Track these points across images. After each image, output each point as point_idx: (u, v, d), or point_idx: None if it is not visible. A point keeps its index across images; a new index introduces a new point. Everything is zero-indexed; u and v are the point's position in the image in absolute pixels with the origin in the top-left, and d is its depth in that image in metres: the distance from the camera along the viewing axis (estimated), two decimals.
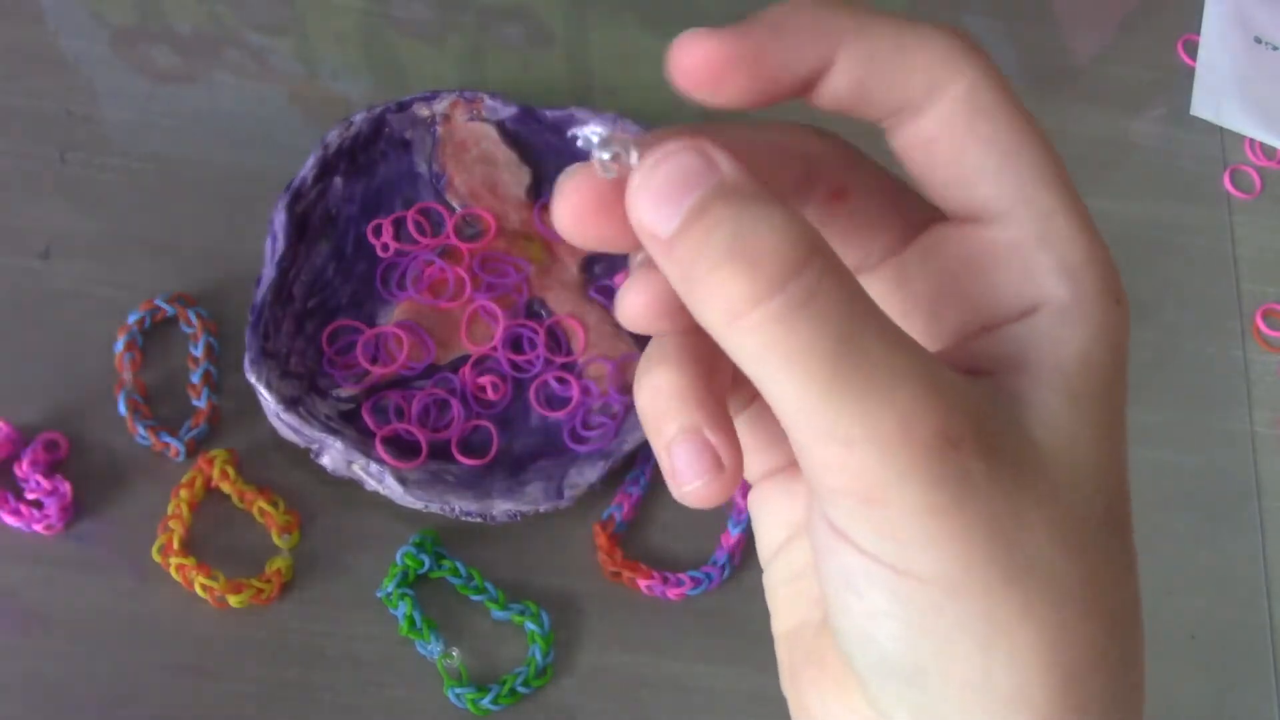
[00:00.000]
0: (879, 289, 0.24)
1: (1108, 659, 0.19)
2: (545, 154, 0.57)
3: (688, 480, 0.21)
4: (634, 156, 0.20)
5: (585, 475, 0.49)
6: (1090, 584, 0.19)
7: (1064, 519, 0.19)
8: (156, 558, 0.48)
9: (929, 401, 0.18)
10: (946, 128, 0.20)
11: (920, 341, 0.23)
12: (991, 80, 0.20)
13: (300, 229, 0.53)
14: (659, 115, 0.58)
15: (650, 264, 0.20)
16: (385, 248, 0.54)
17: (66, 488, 0.48)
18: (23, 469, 0.49)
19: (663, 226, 0.19)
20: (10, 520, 0.48)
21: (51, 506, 0.48)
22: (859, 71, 0.20)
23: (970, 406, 0.19)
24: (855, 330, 0.18)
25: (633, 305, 0.21)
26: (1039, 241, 0.20)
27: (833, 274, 0.18)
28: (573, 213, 0.20)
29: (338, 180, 0.54)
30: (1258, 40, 0.66)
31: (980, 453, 0.18)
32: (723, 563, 0.50)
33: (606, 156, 0.20)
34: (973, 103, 0.20)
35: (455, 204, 0.55)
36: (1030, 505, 0.19)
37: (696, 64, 0.20)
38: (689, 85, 0.21)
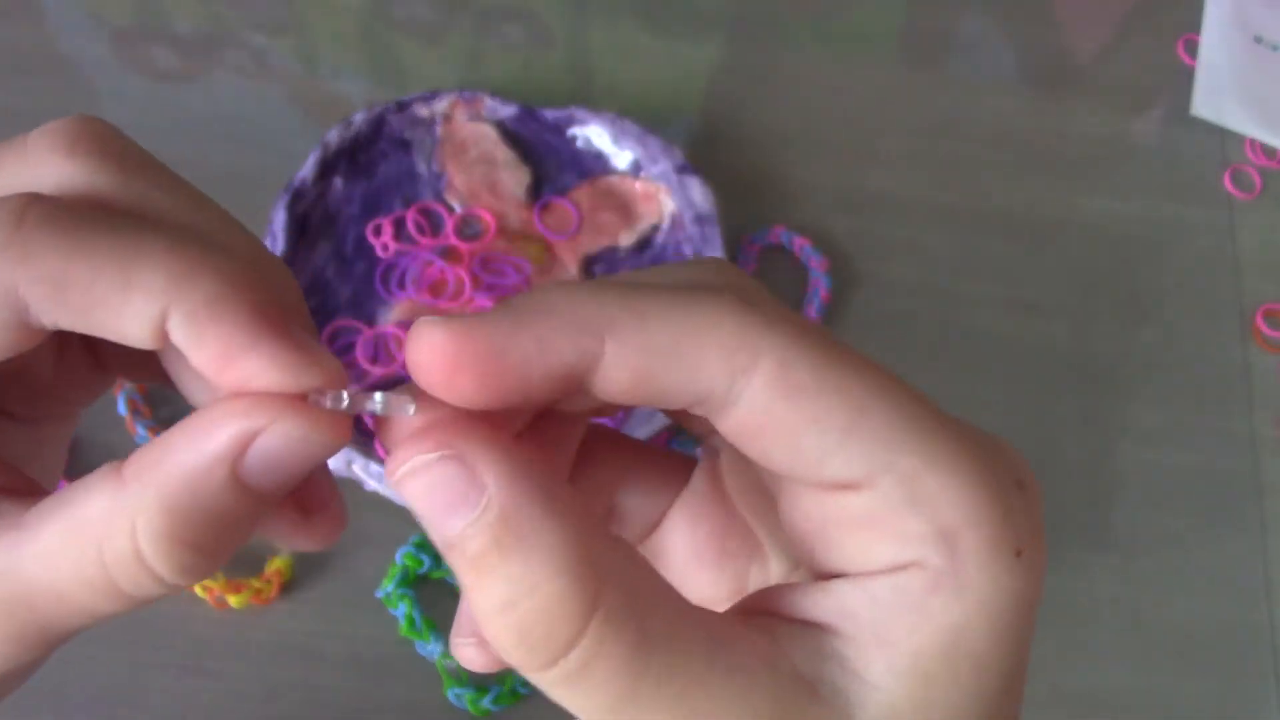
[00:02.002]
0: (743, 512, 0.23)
1: None
2: (545, 154, 0.57)
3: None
4: (409, 409, 0.18)
5: None
6: None
7: None
8: None
9: None
10: (768, 415, 0.18)
11: (777, 558, 0.22)
12: (801, 348, 0.18)
13: (300, 229, 0.53)
14: (658, 114, 0.58)
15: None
16: (385, 248, 0.54)
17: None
18: None
19: (438, 531, 0.17)
20: None
21: None
22: (636, 362, 0.18)
23: (772, 709, 0.17)
24: (631, 688, 0.17)
25: None
26: (907, 506, 0.18)
27: (614, 630, 0.17)
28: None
29: (338, 180, 0.54)
30: (1258, 40, 0.66)
31: None
32: None
33: (378, 409, 0.18)
34: (788, 382, 0.18)
35: (455, 204, 0.55)
36: None
37: (428, 359, 0.18)
38: (422, 381, 0.18)
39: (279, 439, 0.18)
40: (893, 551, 0.18)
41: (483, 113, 0.56)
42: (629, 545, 0.18)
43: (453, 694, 0.47)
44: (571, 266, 0.54)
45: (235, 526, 0.18)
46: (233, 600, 0.47)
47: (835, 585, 0.19)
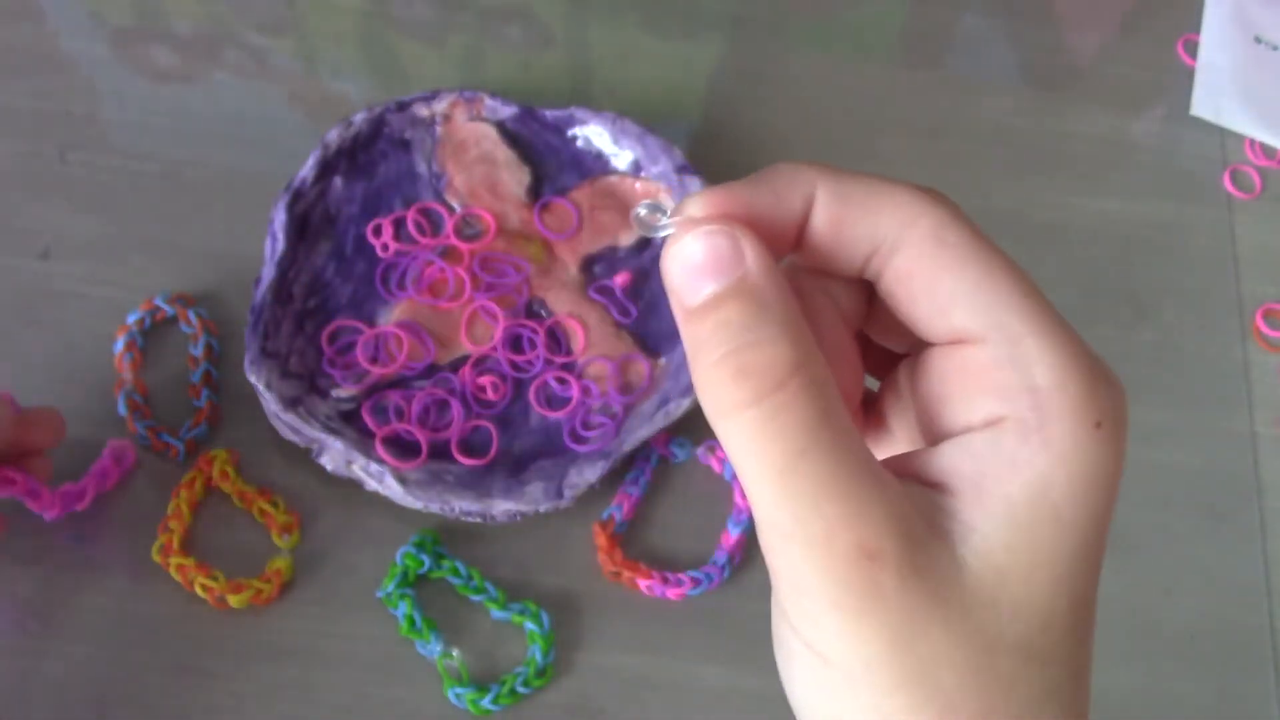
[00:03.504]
0: (898, 376, 0.26)
1: None
2: (545, 154, 0.57)
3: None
4: (665, 219, 0.23)
5: (585, 475, 0.49)
6: (982, 700, 0.21)
7: (967, 640, 0.21)
8: (156, 558, 0.48)
9: (854, 516, 0.20)
10: (919, 262, 0.22)
11: (904, 437, 0.26)
12: (956, 218, 0.23)
13: (300, 229, 0.53)
14: (658, 114, 0.58)
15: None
16: (385, 248, 0.54)
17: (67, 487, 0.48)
18: None
19: (687, 297, 0.22)
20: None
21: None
22: (835, 209, 0.23)
23: (899, 525, 0.21)
24: (809, 445, 0.20)
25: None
26: (1009, 363, 0.22)
27: (807, 390, 0.21)
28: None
29: (338, 180, 0.54)
30: (1258, 40, 0.66)
31: (895, 568, 0.20)
32: (723, 563, 0.50)
33: (643, 213, 0.23)
34: (939, 238, 0.22)
35: (455, 204, 0.55)
36: (936, 623, 0.21)
37: (701, 212, 0.23)
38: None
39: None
40: (990, 405, 0.22)
41: (483, 113, 0.56)
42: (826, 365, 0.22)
43: (453, 694, 0.47)
44: (572, 266, 0.54)
45: None
46: (233, 600, 0.47)
47: (944, 447, 0.22)
